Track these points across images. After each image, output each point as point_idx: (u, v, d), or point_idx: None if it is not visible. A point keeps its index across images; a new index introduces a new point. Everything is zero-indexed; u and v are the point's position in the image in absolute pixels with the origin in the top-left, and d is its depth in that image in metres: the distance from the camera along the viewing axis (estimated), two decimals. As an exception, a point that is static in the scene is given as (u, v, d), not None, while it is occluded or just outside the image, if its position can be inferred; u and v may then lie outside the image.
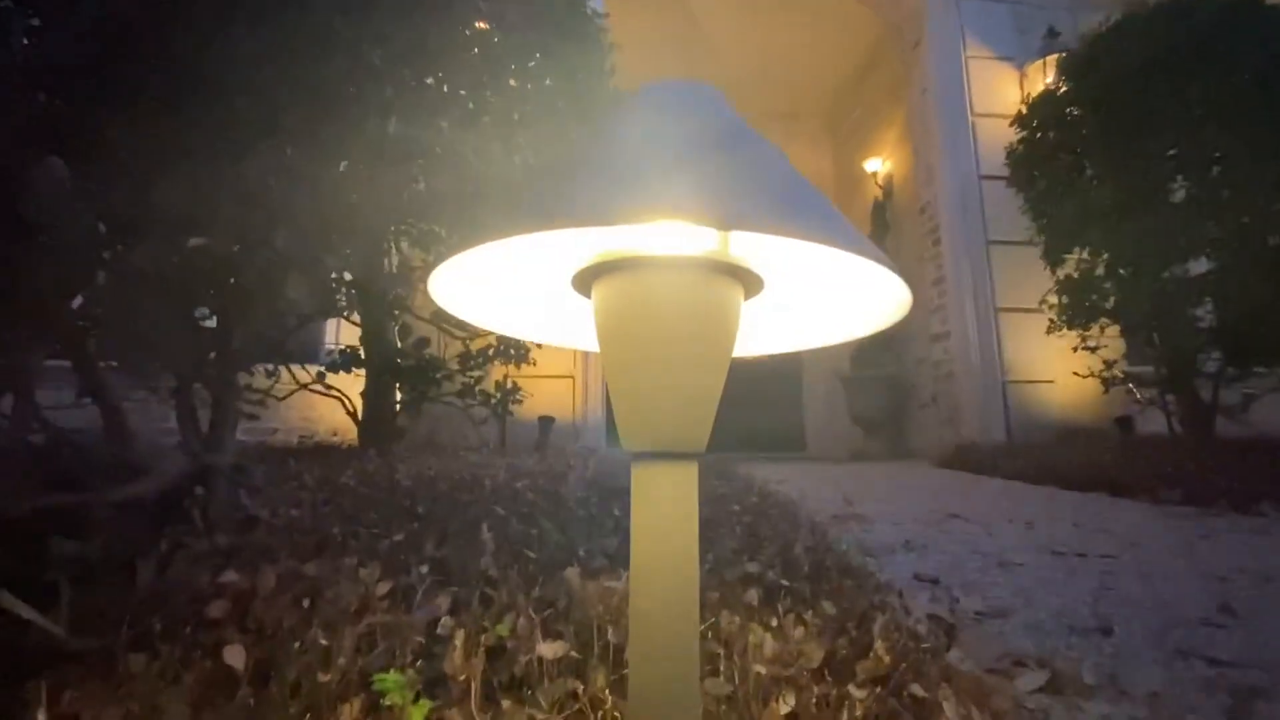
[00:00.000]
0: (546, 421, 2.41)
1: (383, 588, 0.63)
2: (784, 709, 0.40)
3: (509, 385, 2.17)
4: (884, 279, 0.24)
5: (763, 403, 5.11)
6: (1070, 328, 2.61)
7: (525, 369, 2.25)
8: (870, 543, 1.23)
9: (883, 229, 4.52)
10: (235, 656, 0.45)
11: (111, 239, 0.65)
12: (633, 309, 0.21)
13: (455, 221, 1.04)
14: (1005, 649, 0.70)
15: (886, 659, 0.50)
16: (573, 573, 0.69)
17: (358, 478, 1.11)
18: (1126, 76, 2.30)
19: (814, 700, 0.43)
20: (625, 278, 0.21)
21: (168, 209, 0.56)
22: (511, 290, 0.29)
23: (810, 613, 0.57)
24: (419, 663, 0.46)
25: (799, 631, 0.51)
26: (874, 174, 4.69)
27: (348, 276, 1.36)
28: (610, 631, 0.51)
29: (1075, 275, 2.56)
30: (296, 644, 0.47)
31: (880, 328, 0.32)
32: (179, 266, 0.75)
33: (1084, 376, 2.70)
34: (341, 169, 0.76)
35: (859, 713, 0.41)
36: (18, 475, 0.59)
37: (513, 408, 2.34)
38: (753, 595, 0.58)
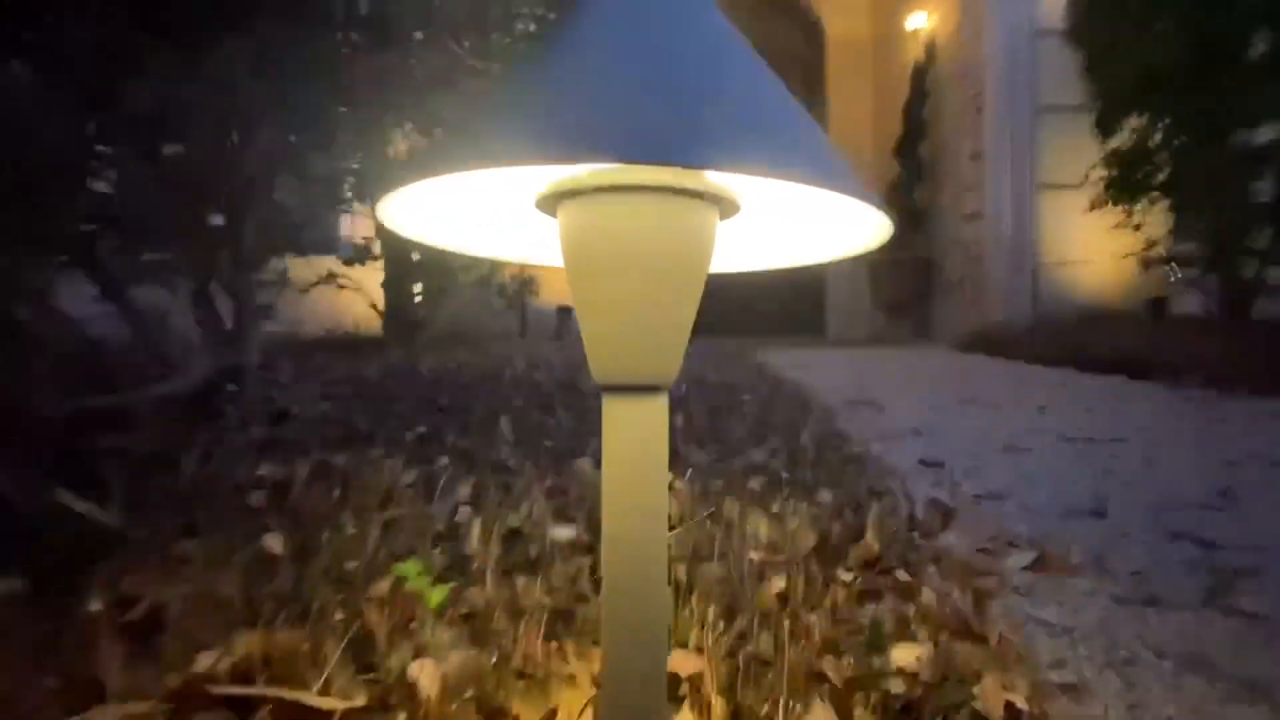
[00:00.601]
0: (565, 311, 2.43)
1: (408, 477, 0.68)
2: (774, 589, 0.44)
3: (525, 276, 2.17)
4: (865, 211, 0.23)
5: (783, 287, 5.03)
6: (1115, 203, 2.47)
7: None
8: (882, 428, 1.26)
9: (921, 97, 4.18)
10: (275, 542, 0.50)
11: (101, 139, 0.63)
12: (598, 237, 0.20)
13: (454, 105, 0.98)
14: (999, 530, 0.73)
15: (876, 546, 0.53)
16: (584, 463, 0.73)
17: (382, 371, 1.15)
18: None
19: (803, 581, 0.46)
20: (589, 205, 0.20)
21: (138, 109, 0.54)
22: (474, 212, 0.28)
23: (808, 501, 0.60)
24: (440, 547, 0.50)
25: (794, 521, 0.53)
26: (915, 32, 4.26)
27: (355, 166, 1.33)
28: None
29: (1127, 146, 2.37)
30: (330, 531, 0.52)
31: (865, 249, 0.31)
32: (177, 166, 0.74)
33: (1124, 257, 2.59)
34: (325, 55, 0.71)
35: (843, 594, 0.45)
36: (56, 378, 0.62)
37: (530, 297, 2.36)
38: (756, 483, 0.61)
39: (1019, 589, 0.61)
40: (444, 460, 0.71)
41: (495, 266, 2.02)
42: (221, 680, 0.32)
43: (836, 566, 0.52)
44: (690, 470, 0.69)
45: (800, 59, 5.05)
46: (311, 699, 0.30)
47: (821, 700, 0.32)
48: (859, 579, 0.50)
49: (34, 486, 0.45)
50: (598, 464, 0.72)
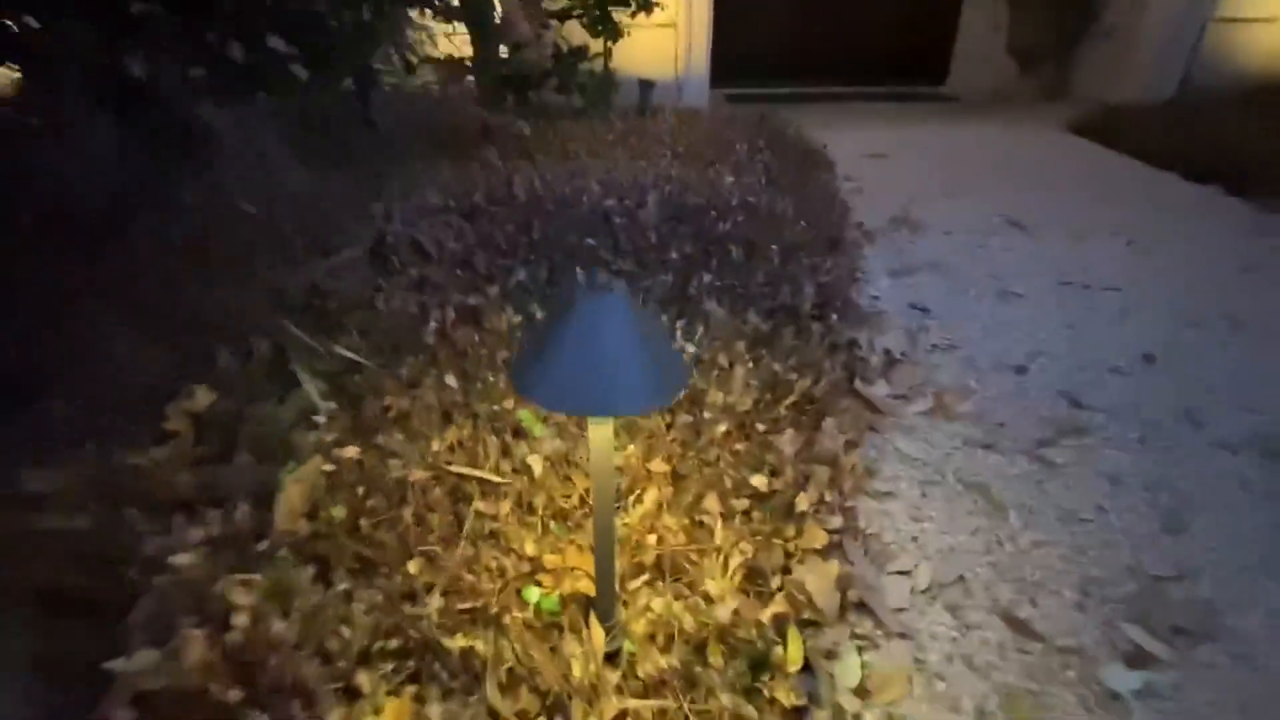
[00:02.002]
0: (646, 86, 2.43)
1: (516, 319, 1.01)
2: (721, 429, 0.76)
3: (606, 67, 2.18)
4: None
5: (905, 10, 4.36)
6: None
7: (625, 21, 2.20)
8: (906, 261, 1.42)
9: None
10: (450, 378, 0.86)
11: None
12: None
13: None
14: (925, 380, 1.00)
15: (816, 392, 0.83)
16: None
17: (486, 195, 1.41)
18: None
19: (743, 425, 0.78)
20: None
21: None
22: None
23: (777, 361, 0.89)
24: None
25: (751, 381, 0.83)
26: None
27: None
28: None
29: None
30: (475, 363, 0.87)
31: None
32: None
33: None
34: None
35: (763, 428, 0.76)
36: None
37: (614, 68, 2.37)
38: (740, 347, 0.90)
39: (906, 427, 0.90)
40: (535, 307, 1.02)
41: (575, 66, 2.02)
42: (448, 461, 0.70)
43: (777, 407, 0.83)
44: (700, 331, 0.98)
45: None
46: (487, 474, 0.68)
47: (714, 493, 0.67)
48: (785, 417, 0.81)
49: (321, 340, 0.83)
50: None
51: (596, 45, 2.31)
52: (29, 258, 0.83)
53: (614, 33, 2.27)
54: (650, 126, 2.15)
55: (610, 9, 2.25)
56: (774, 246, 1.21)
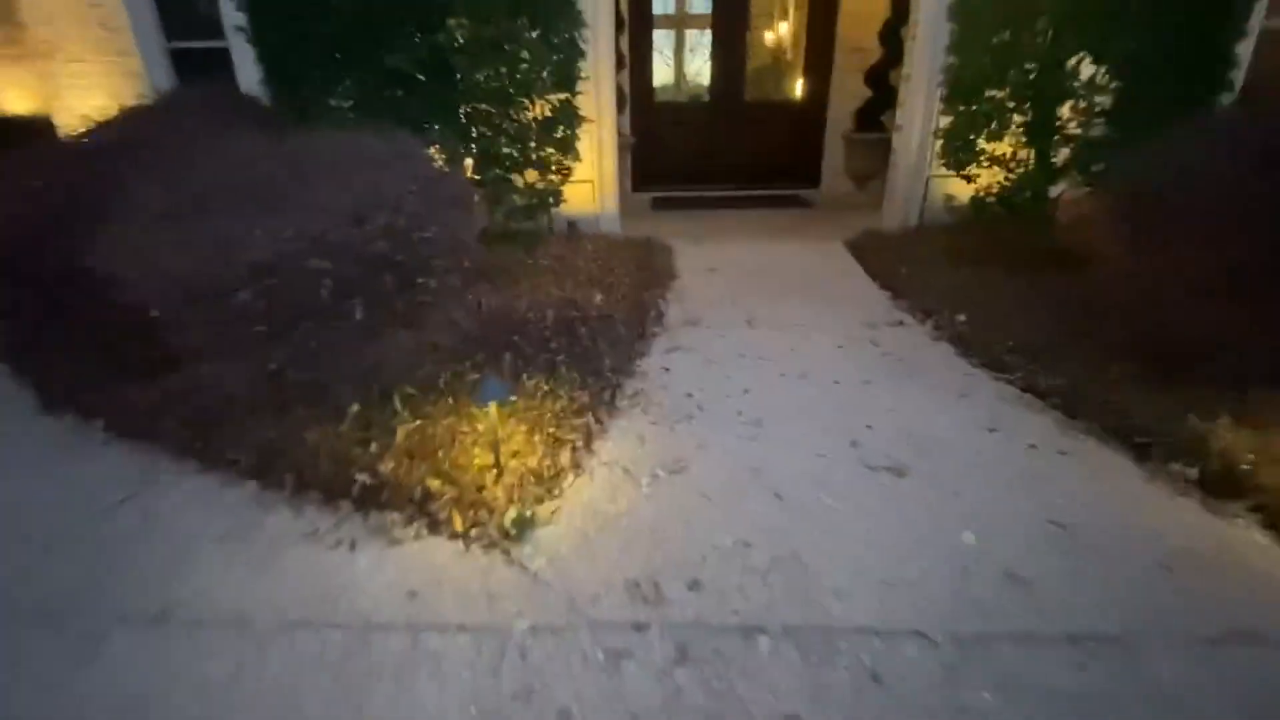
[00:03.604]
0: (573, 223, 3.83)
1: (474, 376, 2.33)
2: (548, 415, 2.06)
3: (551, 202, 3.56)
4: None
5: (788, 136, 5.91)
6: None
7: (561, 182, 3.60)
8: (676, 343, 2.76)
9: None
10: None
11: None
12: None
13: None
14: (653, 402, 2.33)
15: (589, 409, 2.17)
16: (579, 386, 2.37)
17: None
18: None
19: (560, 413, 2.09)
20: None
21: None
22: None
23: (582, 389, 2.21)
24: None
25: (564, 396, 2.15)
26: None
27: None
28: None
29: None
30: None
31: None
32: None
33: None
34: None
35: (568, 413, 2.07)
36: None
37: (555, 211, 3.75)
38: (569, 384, 2.22)
39: (631, 422, 2.22)
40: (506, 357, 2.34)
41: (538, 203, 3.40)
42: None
43: (574, 405, 2.15)
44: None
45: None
46: (466, 427, 1.99)
47: (536, 437, 1.99)
48: (577, 409, 2.13)
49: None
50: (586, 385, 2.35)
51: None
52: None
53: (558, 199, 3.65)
54: (569, 255, 3.53)
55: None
56: (601, 338, 2.56)
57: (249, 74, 4.72)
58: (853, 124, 5.31)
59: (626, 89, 5.53)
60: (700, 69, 6.10)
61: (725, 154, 5.98)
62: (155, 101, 3.14)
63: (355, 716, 1.22)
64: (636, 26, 5.51)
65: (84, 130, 2.74)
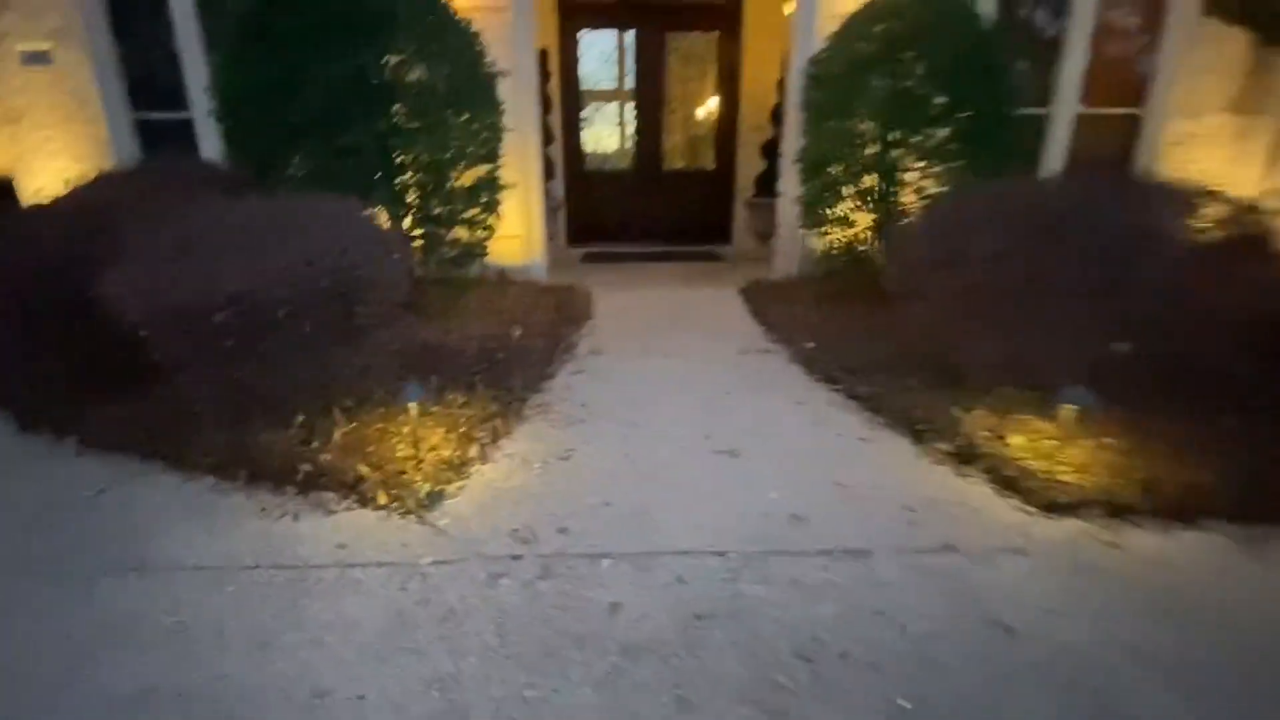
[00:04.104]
0: (502, 271, 4.41)
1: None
2: (463, 420, 2.54)
3: (479, 253, 4.13)
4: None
5: (703, 200, 6.72)
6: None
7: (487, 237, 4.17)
8: (580, 368, 3.31)
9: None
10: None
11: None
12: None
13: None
14: (552, 412, 2.85)
15: (498, 415, 2.67)
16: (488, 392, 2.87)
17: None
18: None
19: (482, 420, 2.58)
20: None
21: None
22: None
23: (494, 404, 2.71)
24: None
25: (481, 408, 2.64)
26: None
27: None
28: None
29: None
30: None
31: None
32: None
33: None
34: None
35: (485, 421, 2.56)
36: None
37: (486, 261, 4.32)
38: (485, 399, 2.71)
39: (534, 424, 2.72)
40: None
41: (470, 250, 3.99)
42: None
43: (490, 412, 2.64)
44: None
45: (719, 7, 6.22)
46: (397, 428, 2.46)
47: (454, 434, 2.48)
48: (491, 417, 2.63)
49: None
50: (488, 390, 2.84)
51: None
52: None
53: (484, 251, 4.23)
54: (497, 299, 4.08)
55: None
56: (516, 363, 3.08)
57: (210, 144, 5.25)
58: (754, 190, 6.14)
59: (559, 158, 6.26)
60: (625, 141, 6.90)
61: (649, 215, 6.74)
62: (133, 168, 3.61)
63: (298, 622, 1.65)
64: (567, 105, 6.29)
65: (64, 193, 3.19)
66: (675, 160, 6.96)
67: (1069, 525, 2.04)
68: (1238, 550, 1.94)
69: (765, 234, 6.01)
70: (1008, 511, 2.11)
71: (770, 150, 5.81)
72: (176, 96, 5.22)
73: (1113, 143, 5.62)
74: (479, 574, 1.82)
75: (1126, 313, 2.55)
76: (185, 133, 5.23)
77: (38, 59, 5.12)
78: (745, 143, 6.28)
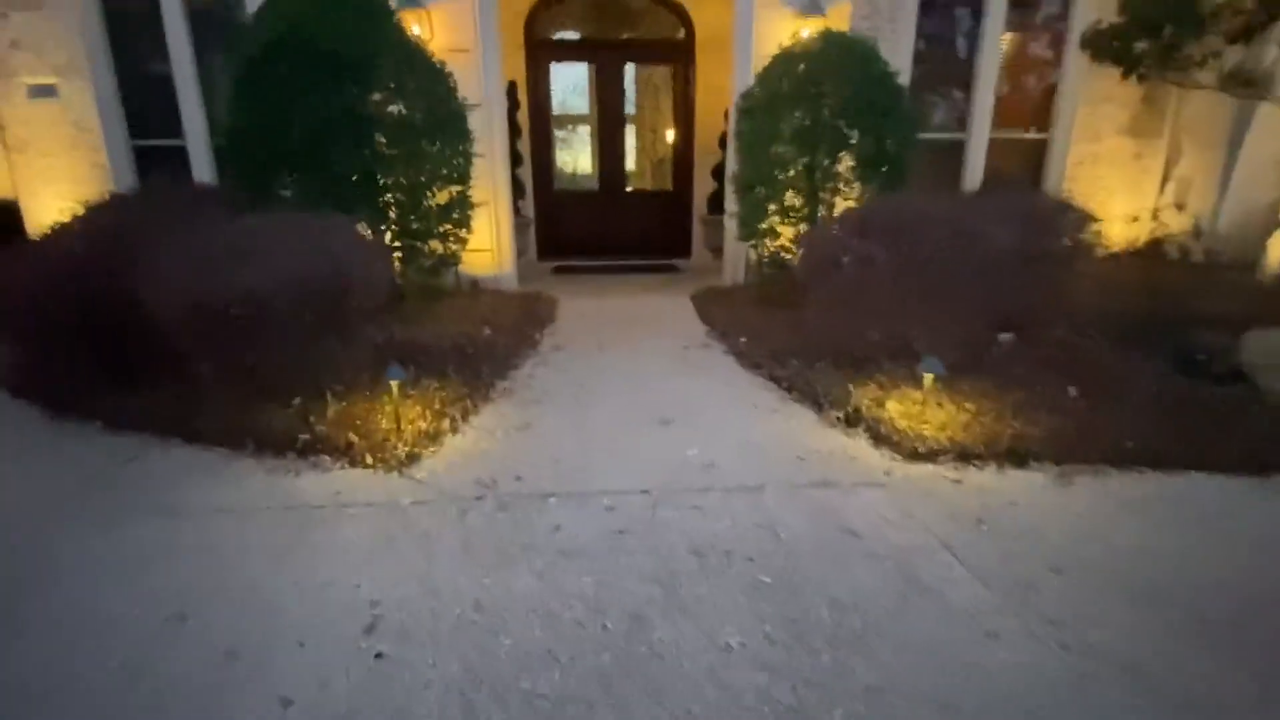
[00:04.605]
0: (474, 280, 4.89)
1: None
2: (438, 399, 3.00)
3: (453, 263, 4.61)
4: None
5: (664, 217, 7.29)
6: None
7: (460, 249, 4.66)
8: (545, 361, 3.80)
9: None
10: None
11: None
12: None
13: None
14: (519, 395, 3.33)
15: (467, 397, 3.14)
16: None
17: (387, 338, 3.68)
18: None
19: (456, 400, 3.04)
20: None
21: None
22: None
23: (465, 386, 3.17)
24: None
25: (455, 392, 3.11)
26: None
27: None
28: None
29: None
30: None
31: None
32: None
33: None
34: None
35: (459, 400, 3.02)
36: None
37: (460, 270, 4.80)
38: (455, 382, 3.18)
39: (501, 405, 3.19)
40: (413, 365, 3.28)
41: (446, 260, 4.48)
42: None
43: (464, 390, 3.11)
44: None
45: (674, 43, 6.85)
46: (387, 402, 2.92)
47: (430, 410, 2.94)
48: (463, 398, 3.10)
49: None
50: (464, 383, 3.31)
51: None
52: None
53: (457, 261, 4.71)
54: (470, 304, 4.55)
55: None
56: (484, 356, 3.55)
57: (201, 168, 5.70)
58: (707, 209, 6.72)
59: (529, 179, 6.79)
60: (590, 163, 7.46)
61: (614, 232, 7.28)
62: (140, 190, 4.05)
63: (306, 543, 2.10)
64: (536, 131, 6.85)
65: (82, 212, 3.63)
66: (638, 181, 7.54)
67: (925, 468, 2.56)
68: (1050, 484, 2.47)
69: (717, 248, 6.58)
70: (878, 459, 2.63)
71: (719, 173, 6.40)
72: (171, 124, 5.66)
73: (1025, 163, 6.32)
74: (449, 509, 2.28)
75: (986, 302, 3.12)
76: (179, 158, 5.67)
77: (44, 92, 5.54)
78: (699, 165, 6.87)
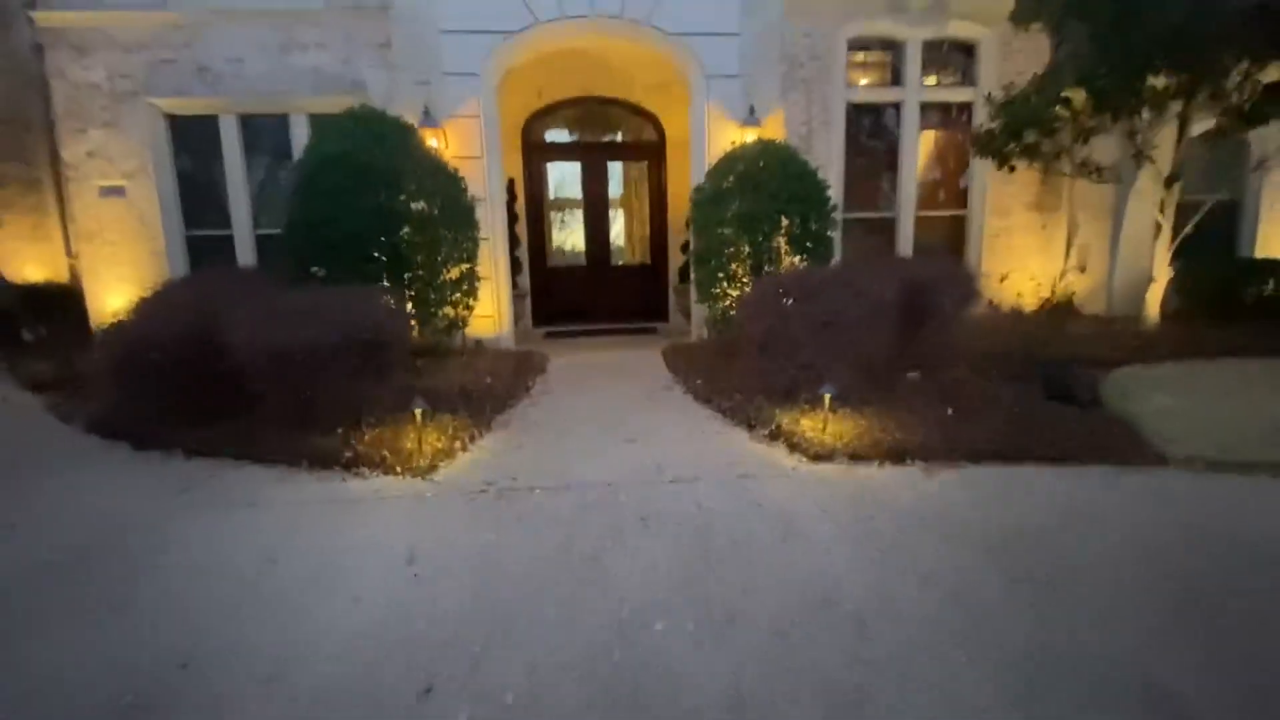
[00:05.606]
0: (480, 342, 5.77)
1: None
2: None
3: (460, 326, 5.50)
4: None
5: (643, 288, 8.27)
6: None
7: (467, 316, 5.55)
8: (536, 402, 4.61)
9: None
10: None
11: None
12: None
13: None
14: (510, 420, 4.13)
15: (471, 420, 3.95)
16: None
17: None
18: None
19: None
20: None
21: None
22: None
23: (470, 417, 3.97)
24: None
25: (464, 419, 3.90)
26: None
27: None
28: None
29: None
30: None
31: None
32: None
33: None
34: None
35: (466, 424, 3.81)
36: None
37: (465, 333, 5.68)
38: (462, 414, 3.97)
39: (508, 431, 3.98)
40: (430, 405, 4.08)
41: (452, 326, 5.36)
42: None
43: (475, 416, 3.90)
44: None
45: (647, 143, 8.07)
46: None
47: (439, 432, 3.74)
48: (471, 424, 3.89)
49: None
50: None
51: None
52: None
53: (464, 324, 5.60)
54: (474, 360, 5.40)
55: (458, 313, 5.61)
56: (486, 398, 4.37)
57: (245, 253, 6.69)
58: (678, 279, 7.73)
59: (525, 257, 7.83)
60: (579, 242, 8.54)
61: (600, 301, 8.27)
62: (206, 272, 4.98)
63: (352, 519, 2.85)
64: (531, 218, 7.95)
65: (162, 288, 4.53)
66: (620, 257, 8.60)
67: (824, 466, 3.34)
68: (922, 475, 3.25)
69: (687, 311, 7.53)
70: (789, 460, 3.42)
71: (686, 249, 7.45)
72: (220, 217, 6.70)
73: (948, 236, 7.40)
74: (459, 499, 3.05)
75: (879, 345, 3.99)
76: (226, 246, 6.68)
77: (114, 192, 6.60)
78: (672, 243, 7.95)
